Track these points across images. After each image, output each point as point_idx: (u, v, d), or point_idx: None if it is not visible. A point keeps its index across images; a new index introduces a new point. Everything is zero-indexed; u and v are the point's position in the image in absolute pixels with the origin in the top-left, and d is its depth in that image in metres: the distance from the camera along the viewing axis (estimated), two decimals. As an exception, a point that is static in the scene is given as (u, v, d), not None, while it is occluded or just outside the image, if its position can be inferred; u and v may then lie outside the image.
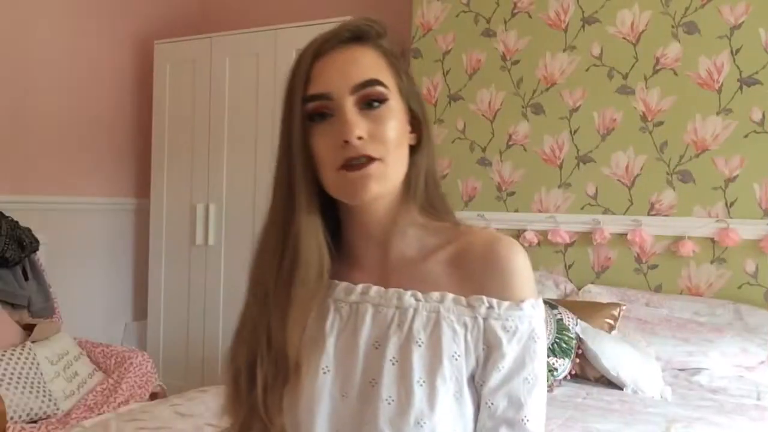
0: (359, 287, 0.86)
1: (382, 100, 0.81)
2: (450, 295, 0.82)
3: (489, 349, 0.80)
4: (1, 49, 3.28)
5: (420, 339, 0.80)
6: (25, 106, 3.39)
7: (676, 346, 2.52)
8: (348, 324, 0.85)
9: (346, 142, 0.78)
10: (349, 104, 0.79)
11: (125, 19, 3.91)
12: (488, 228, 0.90)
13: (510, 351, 0.80)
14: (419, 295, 0.83)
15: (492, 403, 0.80)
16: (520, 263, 0.82)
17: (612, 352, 2.33)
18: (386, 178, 0.80)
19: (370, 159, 0.79)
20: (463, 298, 0.82)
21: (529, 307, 0.81)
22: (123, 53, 3.92)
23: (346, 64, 0.81)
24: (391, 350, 0.81)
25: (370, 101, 0.80)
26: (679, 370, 2.49)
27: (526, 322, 0.81)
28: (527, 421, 0.79)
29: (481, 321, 0.80)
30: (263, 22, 3.75)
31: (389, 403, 0.78)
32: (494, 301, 0.81)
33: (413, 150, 0.86)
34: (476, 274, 0.82)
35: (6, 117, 3.31)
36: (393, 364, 0.80)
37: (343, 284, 0.87)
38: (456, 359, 0.80)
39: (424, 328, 0.81)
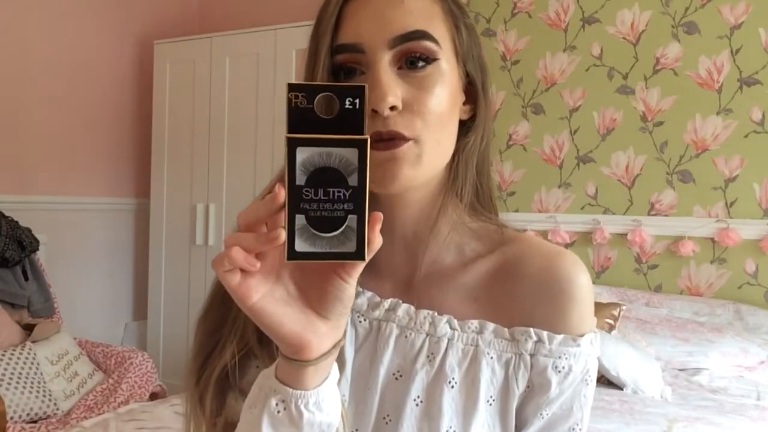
0: (387, 303, 0.68)
1: (429, 59, 0.62)
2: (491, 326, 0.66)
3: (532, 390, 0.65)
4: (1, 48, 3.28)
5: (453, 378, 0.65)
6: (25, 106, 3.39)
7: (676, 346, 2.52)
8: (365, 345, 0.68)
9: (374, 111, 0.59)
10: (385, 61, 0.61)
11: (125, 19, 3.90)
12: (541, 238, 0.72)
13: (557, 397, 0.65)
14: (455, 323, 0.66)
15: None
16: (583, 287, 0.66)
17: (612, 352, 2.33)
18: (421, 162, 0.62)
19: (402, 138, 0.60)
20: (506, 330, 0.66)
21: (587, 344, 0.65)
22: (123, 53, 3.92)
23: (386, 7, 0.62)
24: (417, 387, 0.65)
25: (413, 59, 0.61)
26: (679, 370, 2.49)
27: (582, 361, 0.65)
28: None
29: (527, 358, 0.65)
30: (263, 22, 3.75)
31: (387, 423, 0.65)
32: (544, 334, 0.65)
33: (465, 127, 0.68)
34: (526, 294, 0.66)
35: (6, 117, 3.30)
36: (417, 404, 0.65)
37: (368, 294, 0.69)
38: (491, 404, 0.65)
39: (459, 365, 0.65)
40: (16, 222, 2.92)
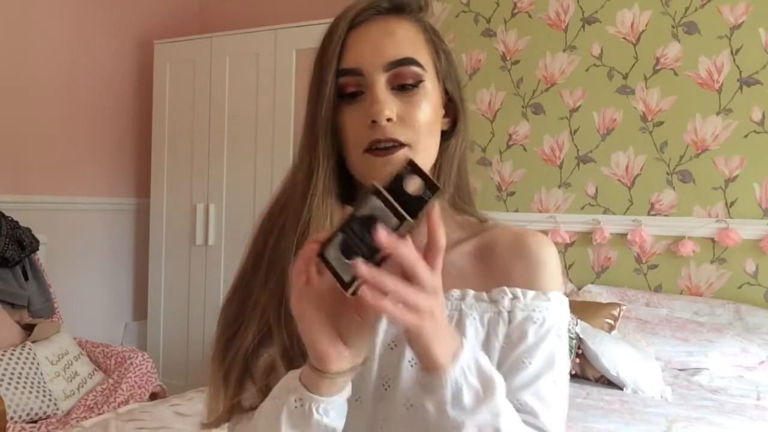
0: None
1: (416, 81, 0.74)
2: (470, 292, 0.77)
3: (511, 342, 0.75)
4: (1, 49, 3.28)
5: None
6: (25, 106, 3.39)
7: (676, 346, 2.53)
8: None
9: (374, 122, 0.72)
10: (381, 82, 0.73)
11: (125, 19, 3.91)
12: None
13: (536, 345, 0.74)
14: None
15: (519, 403, 0.72)
16: (549, 255, 0.78)
17: (612, 352, 2.33)
18: None
19: (399, 144, 0.73)
20: (485, 294, 0.77)
21: (556, 300, 0.76)
22: (123, 53, 3.92)
23: (381, 38, 0.74)
24: (410, 351, 0.72)
25: (403, 84, 0.74)
26: (679, 370, 2.49)
27: (553, 315, 0.75)
28: (552, 427, 0.73)
29: (506, 315, 0.75)
30: (263, 22, 3.75)
31: (407, 408, 0.73)
32: (518, 291, 0.76)
33: (446, 135, 0.81)
34: (503, 265, 0.78)
35: (6, 117, 3.31)
36: (411, 365, 0.74)
37: None
38: None
39: None
40: (16, 222, 2.92)
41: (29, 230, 2.96)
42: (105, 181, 3.85)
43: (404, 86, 0.74)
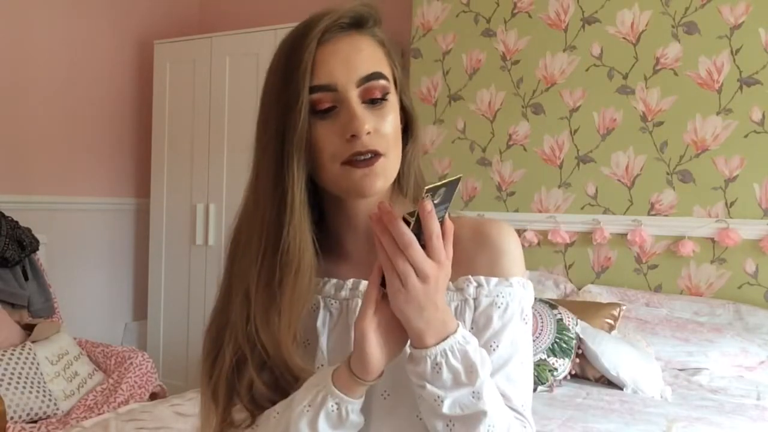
0: (349, 283, 0.83)
1: (384, 95, 0.78)
2: None
3: (478, 328, 0.78)
4: (1, 49, 3.28)
5: None
6: (25, 106, 3.39)
7: (676, 346, 2.52)
8: (339, 321, 0.82)
9: (353, 136, 0.75)
10: (355, 97, 0.76)
11: (125, 19, 3.91)
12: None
13: (502, 329, 0.78)
14: None
15: None
16: (510, 242, 0.81)
17: (612, 352, 2.33)
18: (388, 174, 0.78)
19: (376, 154, 0.76)
20: (450, 283, 0.79)
21: (518, 286, 0.80)
22: (123, 53, 3.92)
23: (352, 55, 0.77)
24: None
25: (372, 98, 0.77)
26: (679, 370, 2.49)
27: (517, 299, 0.79)
28: (523, 407, 0.77)
29: (471, 302, 0.79)
30: (263, 22, 3.75)
31: (385, 398, 0.77)
32: (482, 278, 0.79)
33: (403, 143, 0.84)
34: (467, 255, 0.80)
35: (6, 117, 3.31)
36: None
37: (333, 281, 0.84)
38: None
39: None
40: (16, 222, 2.92)
41: (29, 230, 2.96)
42: (105, 181, 3.85)
43: (374, 100, 0.77)
